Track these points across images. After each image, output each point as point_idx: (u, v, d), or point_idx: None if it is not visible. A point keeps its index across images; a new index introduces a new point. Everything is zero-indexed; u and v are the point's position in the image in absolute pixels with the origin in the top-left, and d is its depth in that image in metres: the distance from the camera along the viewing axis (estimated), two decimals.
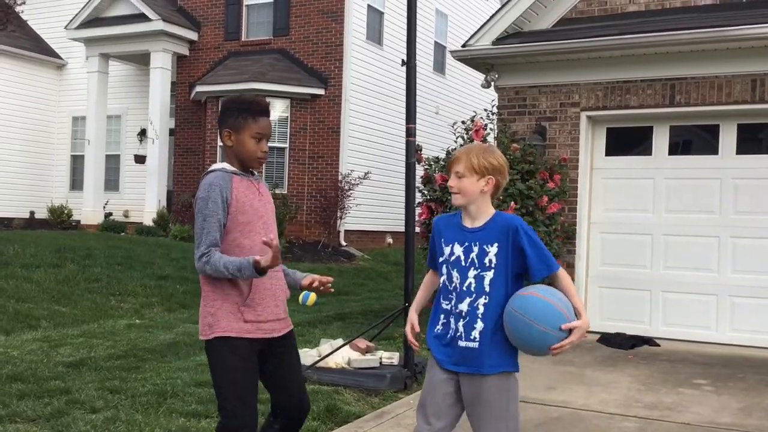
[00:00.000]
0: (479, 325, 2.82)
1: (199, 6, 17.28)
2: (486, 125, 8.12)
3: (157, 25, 16.24)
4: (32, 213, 18.67)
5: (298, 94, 15.71)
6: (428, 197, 8.24)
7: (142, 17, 16.43)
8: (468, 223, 2.93)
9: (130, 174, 18.50)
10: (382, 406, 5.11)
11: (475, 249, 2.87)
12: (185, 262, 11.83)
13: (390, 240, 17.28)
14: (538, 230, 7.42)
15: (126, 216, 17.83)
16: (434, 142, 15.78)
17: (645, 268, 8.12)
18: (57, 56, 19.51)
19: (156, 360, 6.31)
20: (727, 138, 7.81)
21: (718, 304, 7.78)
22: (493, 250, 2.84)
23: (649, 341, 7.73)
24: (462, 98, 19.59)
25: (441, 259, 2.96)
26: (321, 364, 5.80)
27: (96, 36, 17.06)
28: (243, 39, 16.81)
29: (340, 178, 15.31)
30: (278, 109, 15.76)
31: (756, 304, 7.59)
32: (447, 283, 2.92)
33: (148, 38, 16.62)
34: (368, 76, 16.35)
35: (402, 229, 6.72)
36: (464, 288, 2.86)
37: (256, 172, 3.11)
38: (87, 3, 17.12)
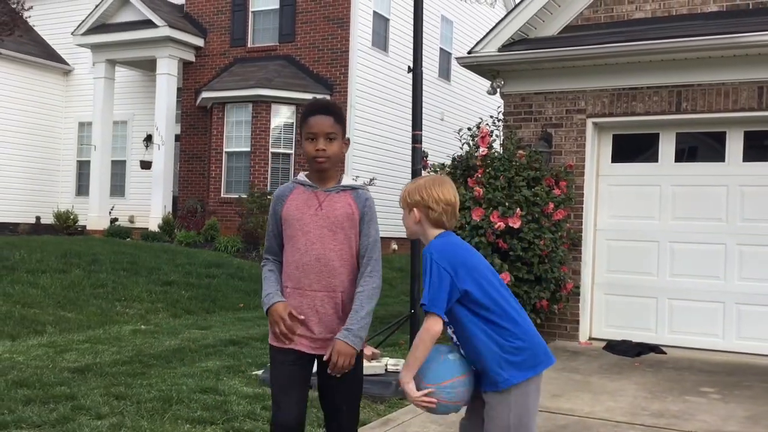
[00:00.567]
0: None
1: (206, 12, 17.34)
2: (492, 132, 8.12)
3: (164, 31, 16.29)
4: (38, 218, 18.73)
5: (304, 100, 15.70)
6: None
7: (148, 23, 16.49)
8: None
9: (136, 180, 18.54)
10: (388, 413, 5.10)
11: None
12: (190, 267, 11.85)
13: (395, 246, 17.26)
14: (544, 237, 7.42)
15: (131, 221, 17.86)
16: (440, 148, 15.78)
17: (651, 275, 8.09)
18: (64, 62, 19.59)
19: (161, 366, 6.30)
20: (734, 145, 7.80)
21: (725, 312, 7.75)
22: None
23: (655, 349, 7.70)
24: (467, 105, 19.59)
25: None
26: None
27: (103, 42, 17.13)
28: (249, 45, 16.85)
29: None
30: (284, 116, 15.79)
31: (762, 311, 7.55)
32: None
33: (154, 44, 16.67)
34: (374, 83, 16.38)
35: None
36: None
37: (339, 185, 3.01)
38: (94, 9, 17.20)
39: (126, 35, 16.74)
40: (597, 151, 8.38)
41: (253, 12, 16.86)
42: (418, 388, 2.76)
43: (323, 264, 2.90)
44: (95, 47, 17.34)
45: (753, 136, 7.76)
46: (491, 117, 8.52)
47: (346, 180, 3.06)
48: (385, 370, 5.89)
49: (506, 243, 7.32)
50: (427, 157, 7.43)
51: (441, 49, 18.93)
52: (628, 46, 7.71)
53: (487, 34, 8.61)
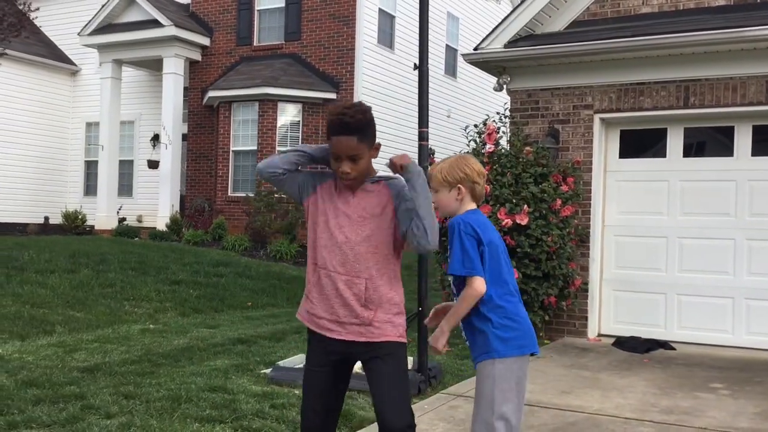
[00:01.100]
0: None
1: (211, 11, 17.35)
2: (498, 128, 8.10)
3: (170, 30, 16.32)
4: (47, 218, 18.80)
5: (310, 98, 15.74)
6: None
7: (154, 23, 16.52)
8: None
9: (144, 179, 18.59)
10: None
11: None
12: (198, 266, 11.87)
13: None
14: (551, 233, 7.40)
15: (139, 221, 17.92)
16: (446, 145, 15.75)
17: (660, 271, 8.06)
18: (71, 62, 19.65)
19: (170, 365, 6.32)
20: (742, 139, 7.75)
21: (734, 307, 7.71)
22: None
23: (664, 345, 7.67)
24: (474, 101, 19.55)
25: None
26: None
27: (109, 42, 17.17)
28: (255, 44, 16.87)
29: None
30: (290, 114, 15.79)
31: None
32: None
33: (160, 44, 16.70)
34: (380, 80, 16.36)
35: None
36: None
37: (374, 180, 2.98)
38: (100, 9, 17.24)
39: (132, 35, 16.77)
40: (604, 146, 8.35)
41: (258, 10, 16.87)
42: None
43: (349, 248, 2.87)
44: (102, 47, 17.38)
45: (761, 130, 7.71)
46: (498, 113, 8.50)
47: (381, 173, 3.02)
48: None
49: (514, 240, 7.30)
50: (434, 154, 7.42)
51: (447, 45, 18.90)
52: (635, 41, 7.67)
53: (493, 30, 8.58)
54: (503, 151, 7.91)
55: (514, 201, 7.39)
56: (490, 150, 7.76)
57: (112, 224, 17.04)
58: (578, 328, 8.17)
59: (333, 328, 2.94)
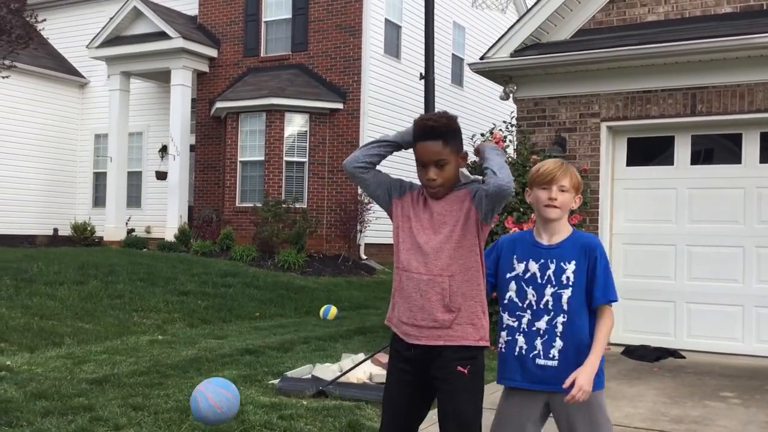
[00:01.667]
0: (558, 343, 2.83)
1: (219, 23, 17.45)
2: (505, 137, 8.10)
3: (177, 42, 16.42)
4: (55, 230, 18.89)
5: (317, 108, 15.78)
6: None
7: (162, 35, 16.62)
8: (545, 240, 2.94)
9: (152, 190, 18.66)
10: None
11: (552, 266, 2.88)
12: (206, 277, 11.89)
13: None
14: None
15: (148, 232, 17.97)
16: None
17: (669, 279, 8.03)
18: (79, 75, 19.78)
19: (179, 376, 6.32)
20: (750, 147, 7.73)
21: (744, 315, 7.67)
22: (570, 267, 2.85)
23: (674, 353, 7.63)
24: (480, 110, 19.56)
25: (509, 276, 2.95)
26: (343, 379, 5.79)
27: (117, 54, 17.28)
28: (262, 55, 16.94)
29: (359, 191, 15.33)
30: (297, 124, 15.84)
31: None
32: (518, 300, 2.92)
33: (168, 56, 16.80)
34: (386, 90, 16.40)
35: None
36: (541, 306, 2.87)
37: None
38: (108, 22, 17.37)
39: (140, 47, 16.87)
40: (612, 154, 8.34)
41: (265, 22, 16.96)
42: None
43: (430, 248, 2.80)
44: (110, 60, 17.50)
45: None
46: (504, 122, 8.50)
47: (465, 177, 2.93)
48: None
49: None
50: None
51: (453, 55, 18.94)
52: (642, 49, 7.67)
53: (499, 39, 8.59)
54: (510, 159, 7.91)
55: (521, 209, 7.38)
56: None
57: (120, 235, 17.10)
58: None
59: (411, 333, 2.84)
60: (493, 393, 5.67)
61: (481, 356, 2.84)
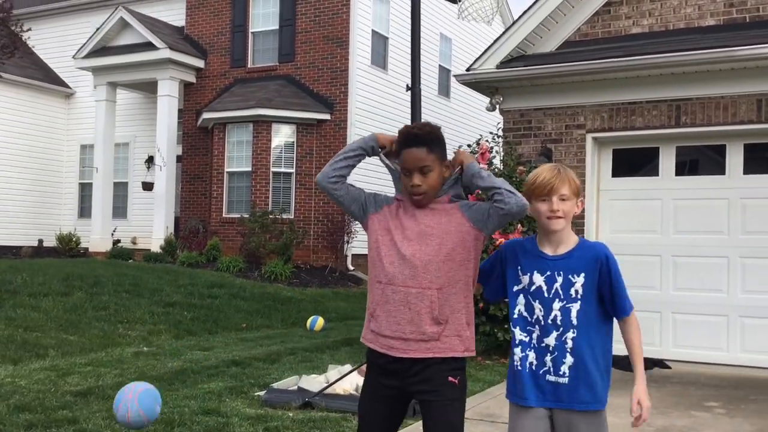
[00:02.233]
0: (569, 359, 2.69)
1: (206, 34, 17.45)
2: (491, 148, 8.13)
3: (164, 53, 16.39)
4: (41, 241, 18.75)
5: (304, 119, 15.79)
6: None
7: (149, 46, 16.59)
8: (549, 251, 2.77)
9: (138, 201, 18.57)
10: None
11: (559, 279, 2.72)
12: (192, 288, 11.83)
13: None
14: None
15: (134, 243, 17.87)
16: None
17: (654, 289, 8.07)
18: (65, 85, 19.71)
19: (163, 388, 6.27)
20: (734, 158, 7.80)
21: (729, 325, 7.71)
22: (579, 280, 2.70)
23: (659, 363, 7.65)
24: (467, 121, 19.63)
25: (516, 288, 2.81)
26: (329, 390, 5.76)
27: (104, 65, 17.23)
28: (249, 66, 16.95)
29: None
30: (284, 135, 15.84)
31: (766, 324, 7.51)
32: (527, 314, 2.77)
33: (155, 66, 16.77)
34: (373, 101, 16.44)
35: None
36: (549, 321, 2.72)
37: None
38: (95, 32, 17.33)
39: (127, 58, 16.84)
40: (597, 165, 8.39)
41: (252, 33, 16.98)
42: None
43: (418, 260, 2.76)
44: (96, 70, 17.44)
45: (753, 148, 7.76)
46: (491, 133, 8.54)
47: (455, 190, 2.91)
48: None
49: None
50: None
51: (440, 66, 19.02)
52: (626, 61, 7.73)
53: (485, 51, 8.65)
54: (496, 170, 7.94)
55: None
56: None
57: (106, 246, 17.00)
58: None
59: (397, 346, 2.78)
60: (480, 403, 5.66)
61: (463, 374, 2.84)
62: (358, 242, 15.60)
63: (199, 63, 17.30)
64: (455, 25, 19.59)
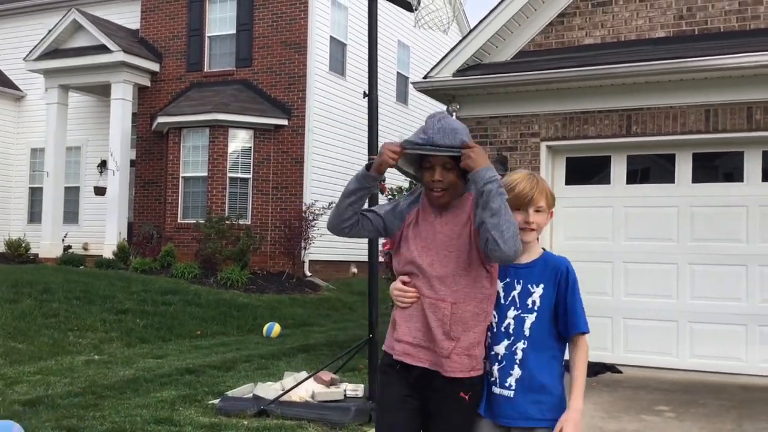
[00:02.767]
0: (516, 371, 2.62)
1: (161, 37, 17.24)
2: None
3: (118, 56, 16.15)
4: None
5: (261, 124, 15.70)
6: None
7: (102, 49, 16.32)
8: None
9: (90, 206, 18.23)
10: None
11: (518, 287, 2.67)
12: (146, 295, 11.65)
13: (354, 270, 17.23)
14: None
15: (85, 249, 17.53)
16: (398, 172, 15.83)
17: (606, 295, 8.21)
18: (16, 88, 19.27)
19: (115, 397, 6.17)
20: (683, 167, 7.99)
21: (678, 330, 7.89)
22: (538, 291, 2.66)
23: (611, 368, 7.79)
24: None
25: None
26: (285, 398, 5.73)
27: (55, 67, 16.90)
28: (205, 70, 16.80)
29: (303, 208, 15.28)
30: (241, 140, 15.73)
31: (714, 329, 7.71)
32: None
33: (108, 70, 16.50)
34: (332, 107, 16.43)
35: (367, 258, 6.71)
36: (502, 329, 2.66)
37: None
38: (47, 35, 16.97)
39: (80, 60, 16.54)
40: (551, 173, 8.51)
41: (209, 37, 16.83)
42: None
43: (434, 270, 2.65)
44: (48, 73, 17.09)
45: (701, 157, 7.96)
46: None
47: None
48: (344, 395, 5.86)
49: None
50: (384, 181, 7.46)
51: (398, 73, 19.11)
52: (579, 71, 7.87)
53: (442, 59, 8.71)
54: None
55: None
56: None
57: (56, 252, 16.63)
58: None
59: (412, 353, 2.68)
60: None
61: (480, 384, 2.70)
62: (316, 248, 15.56)
63: (154, 66, 17.08)
64: (413, 33, 19.72)
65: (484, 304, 2.68)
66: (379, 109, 6.32)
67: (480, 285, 2.67)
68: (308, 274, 15.70)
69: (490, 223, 2.52)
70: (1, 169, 19.17)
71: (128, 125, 16.66)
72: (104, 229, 16.45)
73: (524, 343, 2.62)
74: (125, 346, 9.18)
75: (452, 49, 8.73)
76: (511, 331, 2.64)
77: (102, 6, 17.99)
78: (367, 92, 6.13)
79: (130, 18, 17.77)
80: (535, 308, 2.64)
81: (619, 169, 8.27)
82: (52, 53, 16.92)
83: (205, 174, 15.56)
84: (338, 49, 16.87)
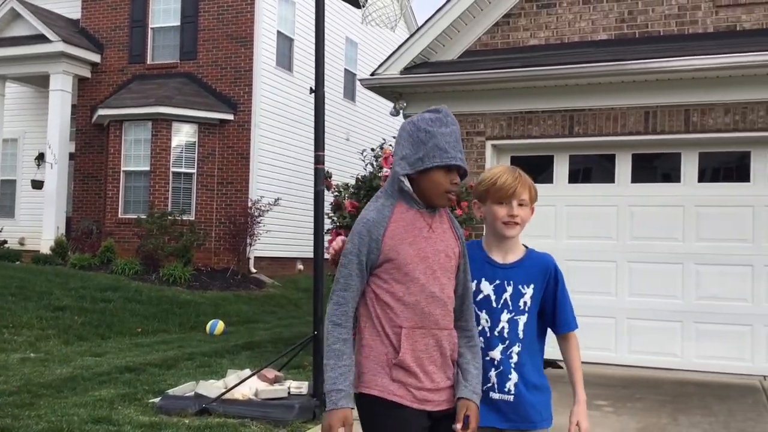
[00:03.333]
0: (514, 376, 2.56)
1: (103, 28, 16.83)
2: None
3: (57, 46, 15.71)
4: None
5: (206, 119, 15.48)
6: (338, 224, 8.24)
7: (41, 38, 15.85)
8: (498, 258, 2.62)
9: (27, 200, 17.71)
10: None
11: (509, 289, 2.57)
12: (84, 291, 11.37)
13: (301, 266, 17.15)
14: None
15: (22, 244, 17.02)
16: (345, 168, 15.84)
17: None
18: None
19: (52, 396, 6.00)
20: (623, 167, 8.18)
21: (617, 327, 8.08)
22: (529, 291, 2.58)
23: (552, 363, 7.90)
24: (373, 125, 19.77)
25: None
26: (227, 396, 5.67)
27: None
28: (148, 62, 16.47)
29: (249, 204, 15.12)
30: (185, 134, 15.47)
31: (651, 326, 7.92)
32: None
33: (47, 60, 16.03)
34: (278, 102, 16.30)
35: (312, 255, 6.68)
36: (495, 333, 2.56)
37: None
38: None
39: (17, 50, 16.03)
40: None
41: (152, 28, 16.50)
42: None
43: (445, 296, 2.37)
44: None
45: (640, 158, 8.16)
46: (395, 138, 8.61)
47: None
48: (288, 393, 5.82)
49: None
50: (330, 177, 7.44)
51: (346, 69, 19.07)
52: (524, 72, 7.98)
53: (390, 56, 8.73)
54: None
55: None
56: (387, 174, 7.85)
57: None
58: None
59: (430, 398, 2.37)
60: None
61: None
62: (261, 245, 15.43)
63: (95, 57, 16.67)
64: (361, 30, 19.70)
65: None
66: (326, 105, 6.30)
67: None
68: (253, 270, 15.56)
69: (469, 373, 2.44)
70: None
71: (67, 117, 16.23)
72: (41, 224, 15.99)
73: (519, 346, 2.57)
74: (63, 343, 8.94)
75: (400, 47, 8.76)
76: (505, 335, 2.56)
77: None
78: (314, 88, 6.10)
79: (70, 8, 17.30)
80: (527, 309, 2.58)
81: (561, 168, 8.42)
82: None
83: (148, 168, 15.26)
84: (285, 44, 16.74)
